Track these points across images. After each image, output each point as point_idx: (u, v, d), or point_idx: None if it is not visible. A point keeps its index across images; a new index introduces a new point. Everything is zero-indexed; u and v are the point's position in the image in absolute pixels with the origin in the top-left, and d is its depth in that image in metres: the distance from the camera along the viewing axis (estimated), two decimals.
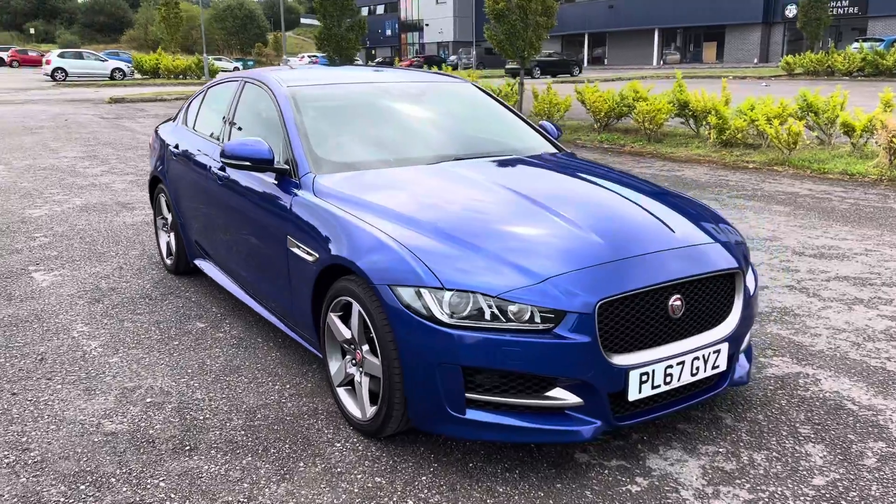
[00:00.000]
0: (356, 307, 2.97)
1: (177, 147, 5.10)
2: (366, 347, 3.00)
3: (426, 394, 2.75)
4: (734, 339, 3.04)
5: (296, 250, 3.36)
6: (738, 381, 3.20)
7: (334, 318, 3.15)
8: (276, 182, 3.68)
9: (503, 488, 2.74)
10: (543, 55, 39.89)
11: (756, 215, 7.17)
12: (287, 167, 3.65)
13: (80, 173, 10.12)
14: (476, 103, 4.61)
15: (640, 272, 2.81)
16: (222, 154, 3.69)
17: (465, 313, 2.66)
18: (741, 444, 3.06)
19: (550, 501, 2.66)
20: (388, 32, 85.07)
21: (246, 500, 2.67)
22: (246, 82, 4.53)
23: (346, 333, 3.10)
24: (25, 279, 5.32)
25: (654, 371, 2.78)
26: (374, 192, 3.36)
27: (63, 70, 35.33)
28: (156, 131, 5.79)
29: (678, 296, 2.85)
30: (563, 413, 2.75)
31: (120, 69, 36.66)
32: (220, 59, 63.99)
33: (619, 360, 2.73)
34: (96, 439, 3.10)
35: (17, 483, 2.78)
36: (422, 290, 2.70)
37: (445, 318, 2.66)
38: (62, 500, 2.68)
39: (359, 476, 2.83)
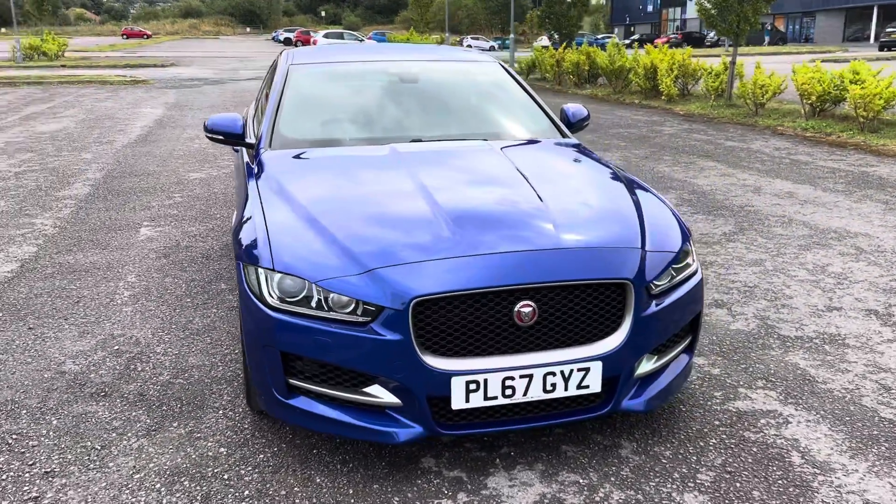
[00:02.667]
0: None
1: None
2: None
3: (259, 375, 2.77)
4: (615, 360, 2.66)
5: None
6: (628, 408, 2.80)
7: None
8: (248, 158, 3.87)
9: (321, 480, 2.69)
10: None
11: None
12: (254, 142, 3.82)
13: None
14: (488, 85, 4.41)
15: (482, 271, 2.57)
16: (204, 127, 3.94)
17: (295, 298, 2.63)
18: (612, 478, 2.68)
19: (353, 500, 2.57)
20: (650, 8, 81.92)
21: (98, 448, 2.91)
22: None
23: None
24: (131, 232, 6.10)
25: (486, 381, 2.54)
26: (289, 171, 3.41)
27: None
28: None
29: (528, 302, 2.56)
30: (384, 412, 2.63)
31: None
32: (476, 39, 65.85)
33: (441, 363, 2.53)
34: (46, 375, 3.53)
35: None
36: (259, 271, 2.72)
37: (271, 301, 2.65)
38: None
39: (208, 444, 2.93)
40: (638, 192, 3.30)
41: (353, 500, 2.57)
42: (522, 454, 2.84)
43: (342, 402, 2.66)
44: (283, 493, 2.62)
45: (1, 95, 18.92)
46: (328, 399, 2.66)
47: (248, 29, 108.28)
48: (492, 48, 57.73)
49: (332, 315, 2.56)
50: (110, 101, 17.19)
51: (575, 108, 4.37)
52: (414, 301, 2.49)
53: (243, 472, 2.74)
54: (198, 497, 2.59)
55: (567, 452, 2.86)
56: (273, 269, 2.67)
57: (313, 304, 2.59)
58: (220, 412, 3.17)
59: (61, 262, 5.28)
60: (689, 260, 3.02)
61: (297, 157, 3.60)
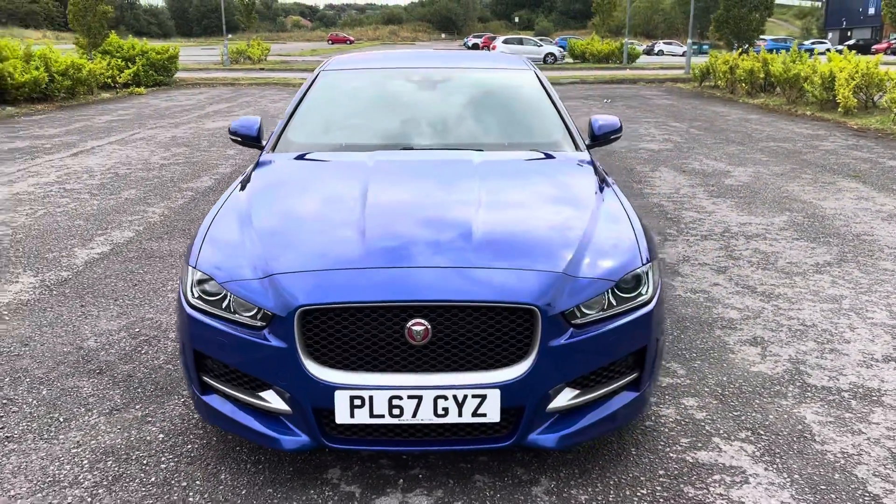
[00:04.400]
0: None
1: None
2: None
3: (184, 370, 2.88)
4: (517, 390, 2.49)
5: None
6: (536, 443, 2.60)
7: None
8: None
9: (226, 476, 2.76)
10: None
11: None
12: (265, 144, 3.98)
13: None
14: (510, 94, 4.29)
15: (374, 285, 2.50)
16: (228, 129, 4.16)
17: (213, 298, 2.70)
18: None
19: (240, 501, 2.61)
20: (871, 10, 74.54)
21: (61, 421, 3.16)
22: None
23: None
24: None
25: (371, 397, 2.48)
26: (266, 173, 3.53)
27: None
28: None
29: (421, 321, 2.46)
30: (279, 419, 2.64)
31: (552, 54, 39.29)
32: (669, 44, 63.35)
33: (326, 375, 2.50)
34: (65, 349, 3.90)
35: None
36: (186, 268, 2.83)
37: (191, 298, 2.75)
38: None
39: (153, 429, 3.10)
40: (606, 214, 3.06)
41: (239, 501, 2.61)
42: (431, 477, 2.74)
43: (245, 404, 2.70)
44: (184, 484, 2.71)
45: (196, 95, 21.01)
46: (234, 400, 2.72)
47: (443, 35, 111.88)
48: (684, 54, 55.17)
49: (236, 318, 2.61)
50: (282, 102, 18.50)
51: (605, 119, 4.11)
52: (299, 310, 2.48)
53: (163, 459, 2.88)
54: (109, 477, 2.75)
55: (477, 482, 2.71)
56: (195, 268, 2.77)
57: (224, 305, 2.66)
58: (182, 400, 3.34)
59: (145, 248, 5.79)
60: (642, 290, 2.76)
61: (289, 160, 3.71)
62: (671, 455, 2.89)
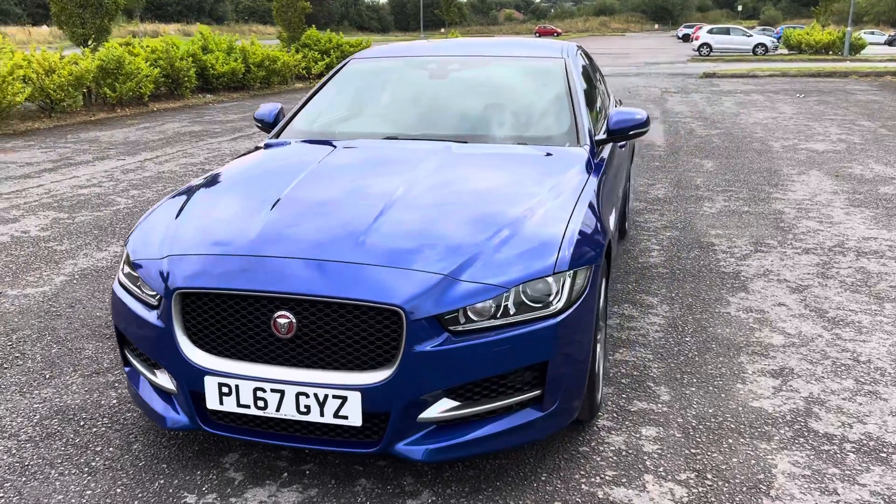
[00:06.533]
0: None
1: None
2: None
3: None
4: (380, 395, 2.36)
5: None
6: (403, 454, 2.44)
7: None
8: None
9: (137, 447, 2.87)
10: None
11: None
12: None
13: None
14: (527, 85, 4.04)
15: (245, 273, 2.49)
16: (254, 116, 4.31)
17: (133, 276, 2.83)
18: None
19: (131, 471, 2.71)
20: None
21: (46, 377, 3.46)
22: None
23: None
24: None
25: (237, 387, 2.47)
26: (242, 159, 3.62)
27: (709, 45, 36.92)
28: None
29: (285, 313, 2.41)
30: (170, 398, 2.71)
31: (762, 45, 36.33)
32: (871, 34, 55.79)
33: (199, 359, 2.52)
34: (98, 314, 4.26)
35: None
36: (124, 248, 2.99)
37: (119, 275, 2.90)
38: None
39: (112, 394, 3.30)
40: (544, 214, 2.79)
41: (130, 470, 2.72)
42: (317, 475, 2.68)
43: (149, 381, 2.79)
44: (98, 448, 2.87)
45: None
46: (141, 375, 2.82)
47: (656, 26, 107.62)
48: (888, 43, 48.37)
49: (143, 297, 2.71)
50: None
51: (625, 113, 3.71)
52: (177, 292, 2.52)
53: (99, 423, 3.06)
54: (44, 433, 2.98)
55: (357, 487, 2.61)
56: (124, 247, 2.92)
57: (137, 284, 2.77)
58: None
59: None
60: (552, 300, 2.50)
61: (267, 148, 3.78)
62: (582, 487, 2.59)
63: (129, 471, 2.72)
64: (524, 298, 2.48)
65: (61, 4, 17.37)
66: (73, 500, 2.55)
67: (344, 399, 2.39)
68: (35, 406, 3.20)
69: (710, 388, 3.31)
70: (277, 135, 3.96)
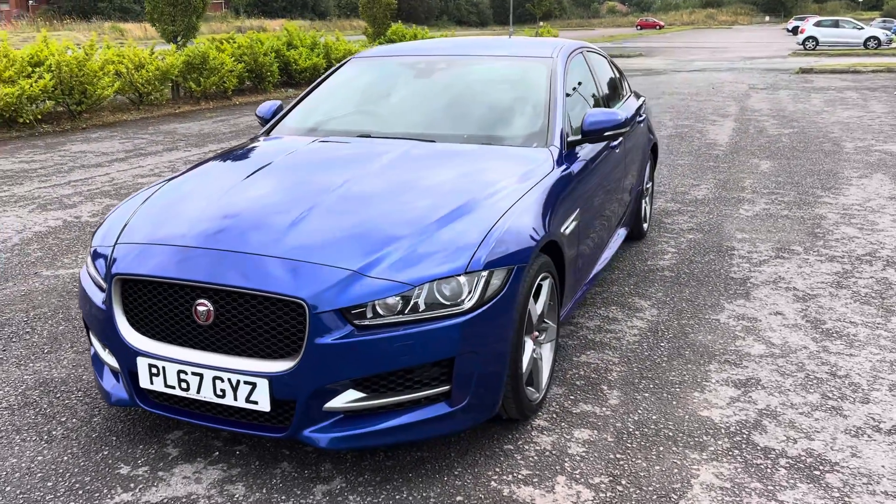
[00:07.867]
0: None
1: None
2: None
3: None
4: (286, 383, 2.49)
5: None
6: (308, 440, 2.55)
7: None
8: None
9: (97, 420, 3.10)
10: None
11: None
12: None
13: None
14: (507, 85, 4.06)
15: (171, 263, 2.68)
16: (256, 113, 4.51)
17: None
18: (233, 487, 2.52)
19: (85, 443, 2.94)
20: None
21: (44, 352, 3.76)
22: None
23: None
24: None
25: (164, 368, 2.65)
26: (222, 154, 3.80)
27: (814, 39, 35.04)
28: None
29: (204, 301, 2.57)
30: (116, 376, 2.92)
31: (874, 38, 34.18)
32: None
33: (134, 341, 2.72)
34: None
35: None
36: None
37: (87, 263, 3.14)
38: None
39: (56, 373, 3.57)
40: (470, 213, 2.84)
41: (83, 441, 2.95)
42: (246, 455, 2.83)
43: (101, 360, 3.01)
44: (63, 419, 3.12)
45: None
46: (97, 354, 3.05)
47: (766, 18, 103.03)
48: None
49: (96, 281, 2.93)
50: None
51: (601, 114, 3.67)
52: (115, 277, 2.73)
53: (72, 397, 3.32)
54: (21, 403, 3.26)
55: (277, 470, 2.74)
56: (93, 235, 3.16)
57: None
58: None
59: None
60: (463, 298, 2.55)
61: (247, 144, 3.95)
62: (491, 484, 2.63)
63: (81, 441, 2.95)
64: (437, 296, 2.54)
65: (153, 3, 18.39)
66: (23, 465, 2.80)
67: (254, 385, 2.52)
68: (25, 378, 3.50)
69: (665, 394, 3.26)
70: (269, 131, 4.14)
